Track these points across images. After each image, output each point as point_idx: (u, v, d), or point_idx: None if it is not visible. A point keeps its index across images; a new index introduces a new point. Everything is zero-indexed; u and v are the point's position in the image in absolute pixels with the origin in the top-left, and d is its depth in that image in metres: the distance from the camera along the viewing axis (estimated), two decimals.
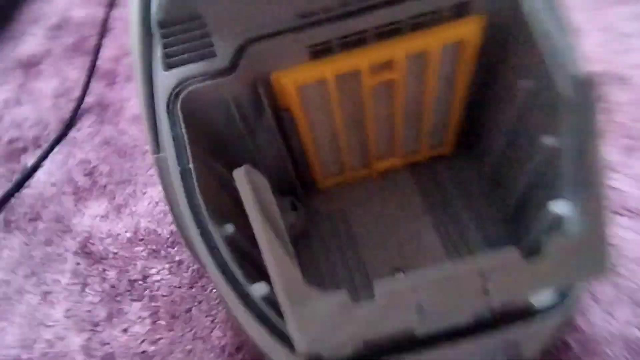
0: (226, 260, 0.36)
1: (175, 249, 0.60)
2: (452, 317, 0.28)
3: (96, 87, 0.79)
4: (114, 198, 0.67)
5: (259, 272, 0.37)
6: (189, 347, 0.53)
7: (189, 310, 0.55)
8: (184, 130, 0.39)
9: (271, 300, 0.34)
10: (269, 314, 0.33)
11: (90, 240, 0.63)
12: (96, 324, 0.56)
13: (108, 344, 0.55)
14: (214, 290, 0.56)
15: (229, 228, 0.38)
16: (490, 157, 0.49)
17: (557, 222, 0.34)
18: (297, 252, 0.52)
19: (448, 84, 0.47)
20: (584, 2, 0.66)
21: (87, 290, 0.59)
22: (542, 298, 0.32)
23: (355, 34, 0.40)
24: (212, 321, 0.54)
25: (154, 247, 0.61)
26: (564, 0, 0.68)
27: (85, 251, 0.63)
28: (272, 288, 0.36)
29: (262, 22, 0.39)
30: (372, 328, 0.27)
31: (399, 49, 0.40)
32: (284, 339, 0.32)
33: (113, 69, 0.80)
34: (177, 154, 0.39)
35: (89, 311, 0.58)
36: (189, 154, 0.38)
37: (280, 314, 0.32)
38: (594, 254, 0.27)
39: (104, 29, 0.71)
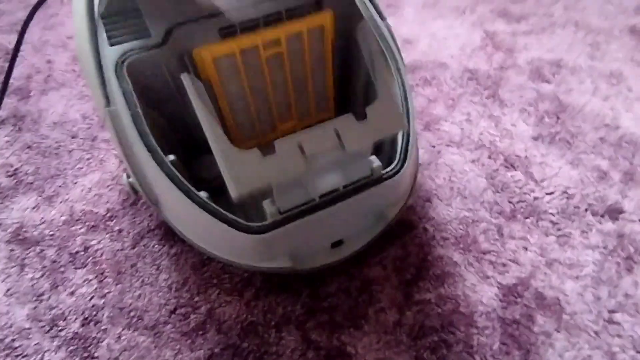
0: (174, 173, 0.34)
1: (114, 221, 0.52)
2: (324, 159, 0.33)
3: (9, 102, 0.66)
4: (44, 191, 0.56)
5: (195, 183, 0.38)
6: (137, 292, 0.46)
7: (134, 265, 0.48)
8: (130, 85, 0.36)
9: (210, 198, 0.36)
10: (210, 204, 0.36)
11: (23, 229, 0.52)
12: (40, 295, 0.46)
13: (56, 307, 0.45)
14: (156, 246, 0.50)
15: (171, 156, 0.36)
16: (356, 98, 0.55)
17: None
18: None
19: (320, 61, 0.50)
20: (415, 18, 0.76)
21: (26, 269, 0.48)
22: (377, 167, 0.37)
23: (251, 20, 0.42)
24: (157, 268, 0.48)
25: (92, 223, 0.52)
26: (401, 16, 0.76)
27: (18, 239, 0.51)
28: (209, 193, 0.36)
29: (184, 11, 0.41)
30: (277, 173, 0.32)
31: (280, 31, 0.42)
32: (219, 216, 0.35)
33: (26, 85, 0.68)
34: (127, 103, 0.36)
35: (31, 286, 0.47)
36: (136, 102, 0.36)
37: (216, 202, 0.36)
38: (394, 117, 0.34)
39: (16, 51, 0.61)
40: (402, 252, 0.47)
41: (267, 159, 0.32)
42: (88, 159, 0.58)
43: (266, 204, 0.35)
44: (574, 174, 0.53)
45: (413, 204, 0.51)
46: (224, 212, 0.34)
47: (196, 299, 0.45)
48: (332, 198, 0.36)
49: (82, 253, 0.49)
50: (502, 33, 0.73)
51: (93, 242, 0.50)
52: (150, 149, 0.34)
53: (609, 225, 0.48)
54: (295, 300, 0.44)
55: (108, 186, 0.55)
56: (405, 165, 0.38)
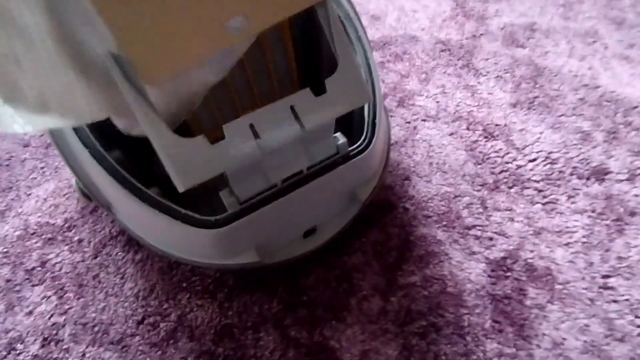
0: (116, 169, 0.30)
1: (73, 231, 0.48)
2: (282, 140, 0.29)
3: None
4: None
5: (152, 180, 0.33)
6: (102, 305, 0.42)
7: (96, 276, 0.45)
8: None
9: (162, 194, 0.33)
10: (159, 199, 0.32)
11: None
12: None
13: (12, 329, 0.41)
14: (119, 253, 0.46)
15: (116, 152, 0.32)
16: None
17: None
18: None
19: (277, 35, 0.47)
20: None
21: None
22: (343, 144, 0.34)
23: None
24: (122, 277, 0.44)
25: (49, 236, 0.48)
26: None
27: None
28: (161, 189, 0.32)
29: None
30: (228, 160, 0.28)
31: None
32: (170, 212, 0.31)
33: None
34: None
35: None
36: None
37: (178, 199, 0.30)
38: (357, 88, 0.30)
39: None
40: (382, 235, 0.44)
41: (215, 146, 0.28)
42: (42, 168, 0.54)
43: (223, 195, 0.32)
44: (555, 137, 0.51)
45: (391, 184, 0.48)
46: (175, 207, 0.31)
47: (165, 305, 0.41)
48: (296, 181, 0.33)
49: (40, 269, 0.45)
50: (472, 1, 0.70)
51: (51, 256, 0.46)
52: (86, 145, 0.31)
53: (595, 188, 0.46)
54: (271, 297, 0.41)
55: (65, 195, 0.51)
56: (374, 140, 0.35)
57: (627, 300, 0.38)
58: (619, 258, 0.41)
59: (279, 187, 0.32)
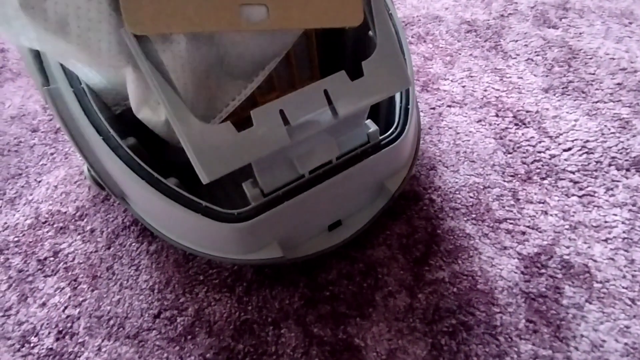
0: (132, 157, 0.28)
1: (85, 220, 0.47)
2: (313, 128, 0.27)
3: None
4: (4, 194, 0.50)
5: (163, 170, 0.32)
6: (116, 297, 0.41)
7: (110, 267, 0.43)
8: None
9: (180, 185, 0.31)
10: (179, 191, 0.30)
11: None
12: (7, 309, 0.41)
13: (25, 321, 0.40)
14: (133, 244, 0.45)
15: (130, 139, 0.30)
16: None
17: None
18: None
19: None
20: None
21: None
22: (374, 132, 0.32)
23: None
24: (137, 269, 0.43)
25: (60, 225, 0.47)
26: None
27: None
28: (184, 179, 0.30)
29: None
30: (256, 149, 0.25)
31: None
32: (191, 205, 0.30)
33: None
34: (68, 79, 0.30)
35: None
36: (79, 77, 0.30)
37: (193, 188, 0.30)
38: (396, 72, 0.28)
39: None
40: (408, 228, 0.42)
41: (243, 134, 0.25)
42: (52, 154, 0.52)
43: (246, 186, 0.30)
44: (592, 125, 0.48)
45: (416, 174, 0.46)
46: (195, 199, 0.29)
47: (182, 299, 0.40)
48: (324, 172, 0.30)
49: (52, 259, 0.44)
50: None
51: (63, 246, 0.45)
52: (100, 132, 0.28)
53: (636, 179, 0.43)
54: (293, 292, 0.39)
55: (76, 182, 0.50)
56: (407, 128, 0.32)
57: None
58: None
59: (306, 178, 0.30)
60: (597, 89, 0.51)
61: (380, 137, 0.32)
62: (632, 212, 0.41)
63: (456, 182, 0.45)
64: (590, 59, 0.54)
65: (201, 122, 0.24)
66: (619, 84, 0.51)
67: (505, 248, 0.40)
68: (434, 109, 0.52)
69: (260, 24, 0.25)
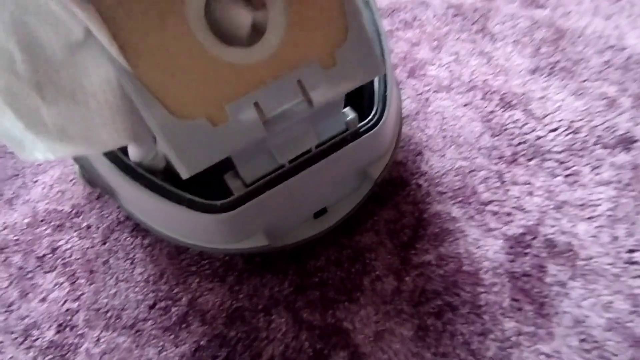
0: (114, 153, 0.30)
1: (81, 217, 0.48)
2: (289, 118, 0.28)
3: None
4: (2, 195, 0.51)
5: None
6: (113, 290, 0.42)
7: (106, 262, 0.45)
8: None
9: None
10: (162, 184, 0.31)
11: None
12: (10, 305, 0.43)
13: (27, 316, 0.42)
14: (128, 238, 0.46)
15: None
16: None
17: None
18: None
19: None
20: None
21: None
22: (352, 119, 0.32)
23: None
24: (132, 262, 0.44)
25: (57, 223, 0.48)
26: None
27: None
28: (164, 174, 0.31)
29: None
30: (233, 143, 0.26)
31: None
32: (175, 197, 0.30)
33: None
34: None
35: None
36: None
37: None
38: (368, 60, 0.28)
39: None
40: (395, 213, 0.43)
41: (219, 128, 0.26)
42: None
43: (228, 178, 0.31)
44: (578, 105, 0.48)
45: (403, 160, 0.46)
46: (179, 192, 0.30)
47: (176, 290, 0.41)
48: (304, 161, 0.31)
49: (50, 255, 0.45)
50: None
51: (61, 243, 0.46)
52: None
53: (622, 157, 0.44)
54: (282, 280, 0.40)
55: (71, 180, 0.51)
56: (385, 114, 0.33)
57: None
58: None
59: (286, 168, 0.31)
60: (584, 68, 0.51)
61: (359, 124, 0.32)
62: (617, 190, 0.42)
63: (443, 166, 0.46)
64: (578, 37, 0.54)
65: (177, 119, 0.25)
66: (606, 62, 0.51)
67: (490, 230, 0.41)
68: (420, 94, 0.52)
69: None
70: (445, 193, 0.44)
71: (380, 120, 0.33)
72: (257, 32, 0.25)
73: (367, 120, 0.33)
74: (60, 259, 0.45)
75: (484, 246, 0.40)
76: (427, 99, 0.51)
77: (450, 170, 0.46)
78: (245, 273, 0.41)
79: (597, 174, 0.43)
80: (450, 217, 0.42)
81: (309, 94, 0.27)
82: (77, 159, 0.34)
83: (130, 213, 0.38)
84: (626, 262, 0.38)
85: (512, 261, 0.39)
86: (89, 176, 0.36)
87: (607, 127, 0.46)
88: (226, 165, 0.29)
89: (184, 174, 0.25)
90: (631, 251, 0.38)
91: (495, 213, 0.42)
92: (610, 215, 0.40)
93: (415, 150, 0.47)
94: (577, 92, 0.49)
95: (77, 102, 0.24)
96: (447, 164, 0.46)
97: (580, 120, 0.47)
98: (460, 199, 0.43)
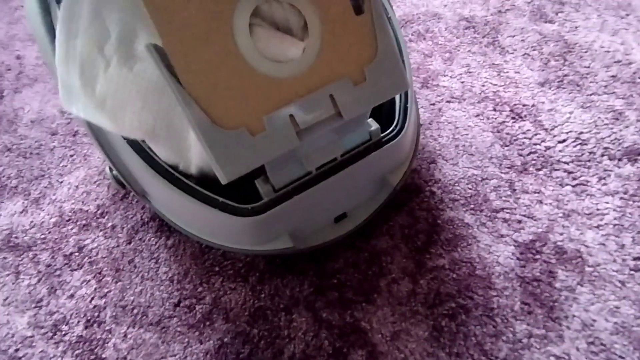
0: (153, 158, 0.32)
1: (106, 217, 0.50)
2: (320, 129, 0.30)
3: None
4: (29, 194, 0.53)
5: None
6: (139, 288, 0.44)
7: (131, 261, 0.46)
8: None
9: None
10: (197, 188, 0.34)
11: (14, 235, 0.50)
12: (39, 301, 0.44)
13: (56, 312, 0.43)
14: (152, 239, 0.48)
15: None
16: None
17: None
18: None
19: None
20: None
21: (21, 276, 0.46)
22: (375, 130, 0.34)
23: None
24: (156, 262, 0.46)
25: (83, 222, 0.50)
26: None
27: (9, 246, 0.49)
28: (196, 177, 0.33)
29: None
30: (269, 151, 0.28)
31: None
32: (209, 201, 0.33)
33: None
34: None
35: (28, 293, 0.45)
36: None
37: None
38: (396, 76, 0.30)
39: None
40: (410, 218, 0.45)
41: (257, 138, 0.28)
42: (71, 156, 0.56)
43: (259, 183, 0.32)
44: (586, 117, 0.50)
45: (417, 167, 0.48)
46: (212, 196, 0.32)
47: (200, 289, 0.43)
48: (330, 169, 0.33)
49: (77, 254, 0.47)
50: None
51: (87, 242, 0.48)
52: (125, 137, 0.31)
53: (628, 169, 0.45)
54: (302, 280, 0.42)
55: (95, 182, 0.53)
56: (406, 125, 0.35)
57: None
58: None
59: (313, 175, 0.33)
60: (591, 82, 0.53)
61: (382, 135, 0.34)
62: (623, 200, 0.43)
63: (455, 174, 0.48)
64: (586, 52, 0.56)
65: (219, 127, 0.27)
66: (613, 76, 0.53)
67: (502, 236, 0.43)
68: (433, 104, 0.54)
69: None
70: (457, 200, 0.46)
71: (402, 131, 0.35)
72: None
73: (389, 130, 0.35)
74: (86, 258, 0.47)
75: (495, 252, 0.42)
76: (440, 109, 0.53)
77: (462, 178, 0.47)
78: (267, 274, 0.43)
79: (604, 184, 0.45)
80: (463, 223, 0.44)
81: (340, 107, 0.29)
82: (111, 159, 0.36)
83: (161, 214, 0.39)
84: (632, 269, 0.39)
85: (522, 266, 0.41)
86: (121, 177, 0.38)
87: (613, 140, 0.48)
88: (253, 171, 0.31)
89: (223, 180, 0.27)
90: (637, 259, 0.40)
91: (506, 220, 0.44)
92: (616, 224, 0.42)
93: (429, 158, 0.49)
94: (584, 105, 0.51)
95: (122, 83, 0.29)
96: (459, 172, 0.48)
97: (588, 132, 0.49)
98: (472, 206, 0.45)
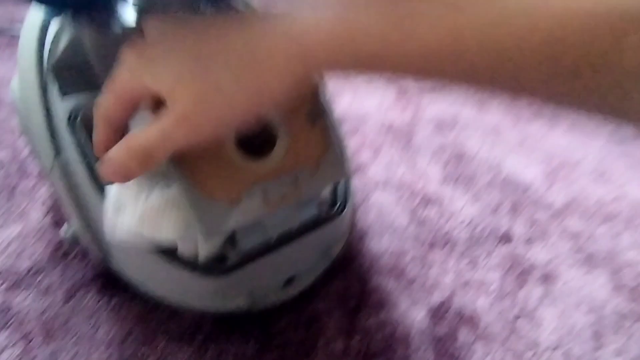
0: None
1: (41, 276, 0.48)
2: (286, 202, 0.36)
3: None
4: None
5: None
6: (72, 351, 0.42)
7: (66, 322, 0.45)
8: (85, 136, 0.36)
9: None
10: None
11: None
12: None
13: None
14: (93, 299, 0.47)
15: None
16: None
17: None
18: None
19: None
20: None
21: None
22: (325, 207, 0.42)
23: None
24: (95, 323, 0.45)
25: (14, 279, 0.47)
26: None
27: None
28: None
29: None
30: (244, 218, 0.34)
31: None
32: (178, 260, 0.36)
33: None
34: (81, 153, 0.36)
35: None
36: (91, 153, 0.36)
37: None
38: (342, 166, 0.39)
39: None
40: (344, 284, 0.52)
41: (233, 208, 0.33)
42: (6, 212, 0.54)
43: (226, 246, 0.37)
44: (475, 208, 0.65)
45: (351, 240, 0.57)
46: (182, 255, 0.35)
47: (142, 350, 0.43)
48: (288, 236, 0.39)
49: (3, 315, 0.44)
50: (411, 91, 0.87)
51: (17, 301, 0.45)
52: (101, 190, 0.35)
53: (504, 249, 0.59)
54: (247, 341, 0.45)
55: (33, 237, 0.51)
56: (348, 204, 0.44)
57: (531, 337, 0.50)
58: (525, 303, 0.53)
59: (274, 240, 0.39)
60: (477, 182, 0.69)
61: (332, 210, 0.42)
62: (502, 272, 0.56)
63: (380, 248, 0.57)
64: (472, 160, 0.73)
65: (204, 196, 0.32)
66: (491, 179, 0.70)
67: (417, 301, 0.52)
68: (362, 190, 0.65)
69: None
70: (382, 270, 0.54)
71: (345, 208, 0.43)
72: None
73: (335, 207, 0.43)
74: (14, 317, 0.44)
75: (412, 314, 0.50)
76: (367, 194, 0.64)
77: (385, 252, 0.57)
78: (213, 334, 0.45)
79: (489, 260, 0.57)
80: (386, 289, 0.52)
81: (302, 188, 0.36)
82: (79, 218, 0.38)
83: (119, 268, 0.41)
84: (511, 328, 0.50)
85: (433, 326, 0.49)
86: (79, 234, 0.39)
87: (494, 226, 0.62)
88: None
89: (205, 243, 0.32)
90: (515, 318, 0.51)
91: (420, 287, 0.53)
92: (499, 292, 0.54)
93: (360, 233, 0.58)
94: (473, 198, 0.66)
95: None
96: (383, 246, 0.57)
97: (477, 219, 0.63)
98: (393, 275, 0.54)
